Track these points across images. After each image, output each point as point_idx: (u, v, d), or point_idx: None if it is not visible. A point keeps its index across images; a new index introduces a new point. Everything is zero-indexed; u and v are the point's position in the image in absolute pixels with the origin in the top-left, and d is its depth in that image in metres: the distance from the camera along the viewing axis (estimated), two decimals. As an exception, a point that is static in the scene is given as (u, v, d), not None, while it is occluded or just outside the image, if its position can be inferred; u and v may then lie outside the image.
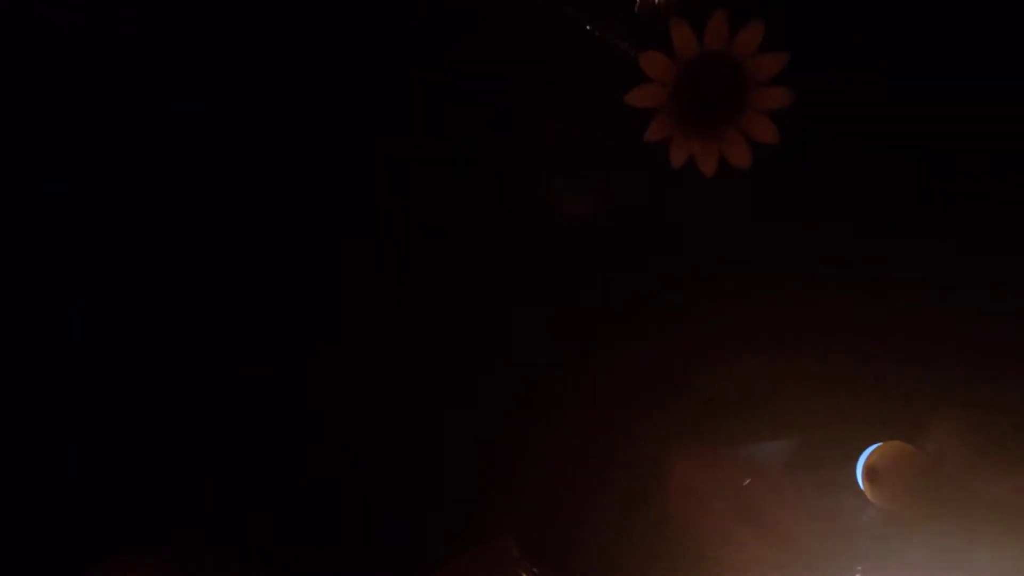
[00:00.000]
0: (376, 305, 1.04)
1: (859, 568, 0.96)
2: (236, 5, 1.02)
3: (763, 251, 1.01)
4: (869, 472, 0.98)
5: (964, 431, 0.97)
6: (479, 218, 1.03)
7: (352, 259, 1.04)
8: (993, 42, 0.97)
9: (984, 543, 0.93)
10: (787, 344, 1.00)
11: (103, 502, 1.00)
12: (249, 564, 1.00)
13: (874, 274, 1.00)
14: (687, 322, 1.01)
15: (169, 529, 1.00)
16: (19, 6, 1.00)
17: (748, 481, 1.00)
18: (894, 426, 0.99)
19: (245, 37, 1.03)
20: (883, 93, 0.98)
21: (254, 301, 1.03)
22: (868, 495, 0.98)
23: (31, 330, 1.02)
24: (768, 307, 1.00)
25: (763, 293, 1.01)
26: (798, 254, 1.01)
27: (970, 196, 0.99)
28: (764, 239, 1.01)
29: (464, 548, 1.01)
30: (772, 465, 1.01)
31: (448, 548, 1.01)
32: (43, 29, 1.01)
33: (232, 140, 1.03)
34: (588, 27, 0.99)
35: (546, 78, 1.02)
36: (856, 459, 0.98)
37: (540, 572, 1.00)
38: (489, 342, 1.03)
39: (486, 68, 1.02)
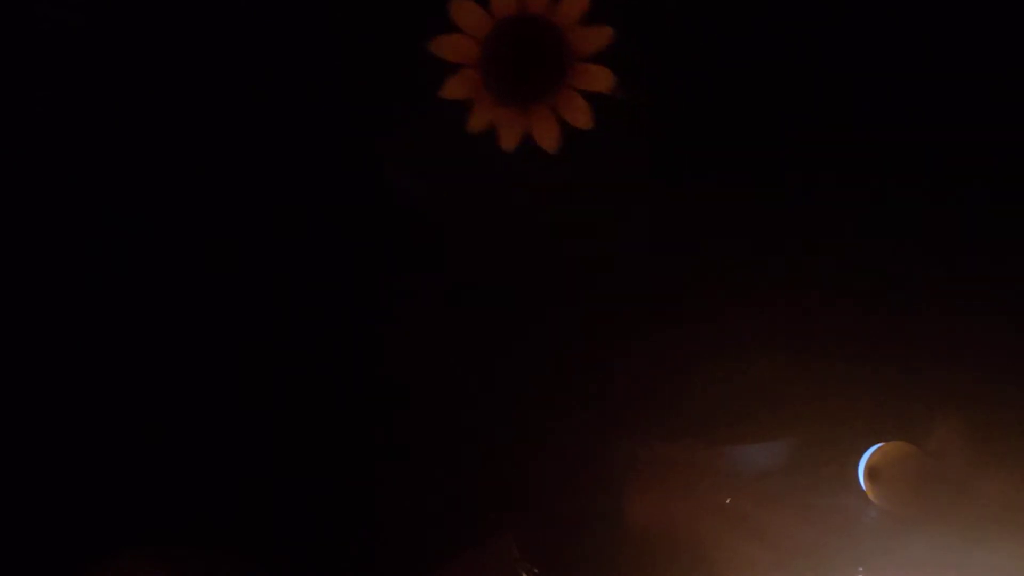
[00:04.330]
0: (375, 305, 1.04)
1: (860, 568, 0.96)
2: (237, 5, 1.03)
3: (761, 250, 1.01)
4: (871, 472, 0.97)
5: (965, 430, 0.97)
6: (472, 214, 1.03)
7: (348, 258, 1.04)
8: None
9: (986, 543, 0.92)
10: (787, 344, 1.00)
11: (103, 502, 1.00)
12: (248, 564, 1.00)
13: (874, 273, 1.00)
14: (687, 322, 1.01)
15: (169, 529, 1.00)
16: (19, 6, 1.00)
17: (746, 481, 1.00)
18: (895, 426, 0.98)
19: (246, 37, 1.03)
20: (880, 89, 0.98)
21: (252, 300, 1.03)
22: (870, 495, 0.97)
23: (31, 330, 1.02)
24: (768, 307, 1.00)
25: (762, 293, 1.00)
26: (797, 253, 1.01)
27: (970, 194, 0.98)
28: (762, 238, 1.01)
29: (464, 548, 1.01)
30: (772, 465, 1.01)
31: (448, 548, 1.01)
32: (43, 29, 1.01)
33: (233, 141, 1.03)
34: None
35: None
36: (857, 459, 0.98)
37: (540, 572, 1.00)
38: (488, 342, 1.03)
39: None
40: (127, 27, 1.02)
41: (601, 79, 0.86)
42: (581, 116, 0.87)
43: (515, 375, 1.02)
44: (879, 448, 0.97)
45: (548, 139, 0.87)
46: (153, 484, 1.01)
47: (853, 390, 0.98)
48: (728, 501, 0.98)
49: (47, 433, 1.01)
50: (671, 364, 1.00)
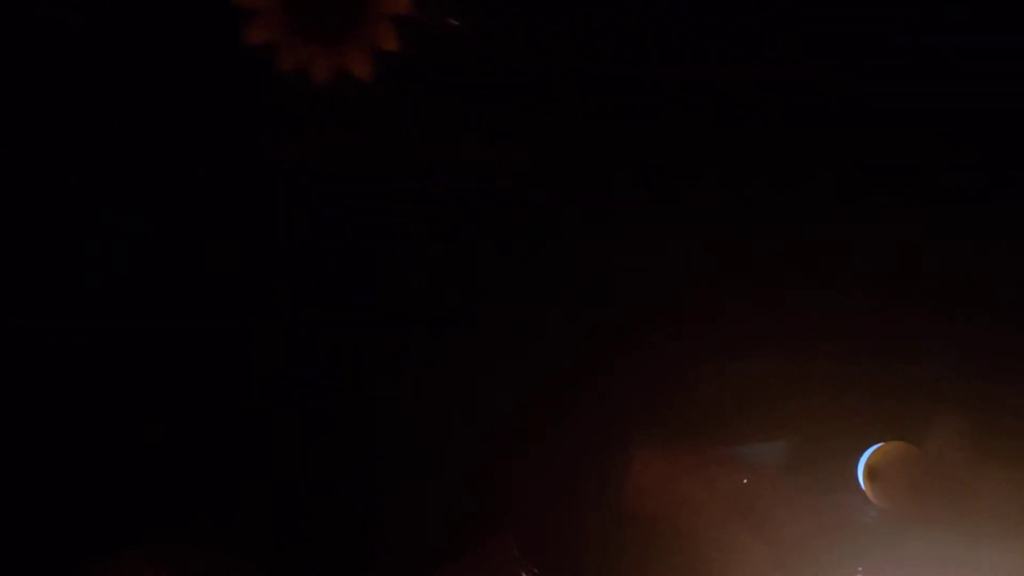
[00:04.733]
0: (373, 307, 1.04)
1: (860, 567, 0.96)
2: (237, 6, 1.02)
3: (762, 250, 1.01)
4: (870, 472, 0.97)
5: (964, 430, 0.97)
6: (475, 218, 1.03)
7: (345, 259, 1.04)
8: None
9: (985, 541, 0.93)
10: (788, 344, 1.00)
11: (103, 502, 1.00)
12: (248, 565, 1.00)
13: (874, 273, 1.00)
14: (687, 322, 1.01)
15: (169, 529, 1.00)
16: (19, 6, 1.00)
17: (746, 480, 1.00)
18: (895, 425, 0.99)
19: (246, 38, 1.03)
20: (876, 87, 0.98)
21: (251, 301, 1.03)
22: (869, 495, 0.97)
23: (31, 330, 1.02)
24: (769, 307, 1.00)
25: (763, 293, 1.01)
26: (797, 253, 1.01)
27: (970, 194, 0.99)
28: (763, 238, 1.01)
29: (464, 548, 1.01)
30: (773, 465, 1.01)
31: (448, 548, 1.01)
32: (43, 29, 1.01)
33: (233, 141, 1.03)
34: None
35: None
36: (857, 459, 0.98)
37: (540, 572, 1.00)
38: (488, 342, 1.03)
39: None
40: (127, 27, 1.02)
41: (399, 1, 0.88)
42: (386, 39, 0.88)
43: (515, 375, 1.02)
44: (879, 448, 0.98)
45: (360, 68, 0.89)
46: (153, 484, 1.01)
47: (852, 390, 0.98)
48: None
49: (48, 433, 1.01)
50: (671, 364, 1.00)
